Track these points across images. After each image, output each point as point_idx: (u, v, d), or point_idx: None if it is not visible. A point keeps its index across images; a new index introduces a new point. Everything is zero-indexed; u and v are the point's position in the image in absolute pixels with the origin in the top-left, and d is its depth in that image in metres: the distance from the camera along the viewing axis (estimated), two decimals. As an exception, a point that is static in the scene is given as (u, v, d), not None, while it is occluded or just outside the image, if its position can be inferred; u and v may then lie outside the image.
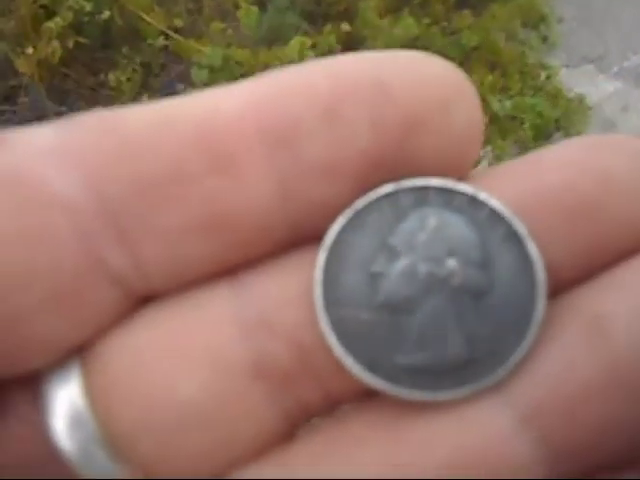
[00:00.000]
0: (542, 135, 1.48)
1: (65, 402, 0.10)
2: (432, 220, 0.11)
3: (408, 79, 0.11)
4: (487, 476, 0.09)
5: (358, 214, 0.11)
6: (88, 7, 1.31)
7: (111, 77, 1.36)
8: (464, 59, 1.61)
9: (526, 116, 1.47)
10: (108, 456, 0.10)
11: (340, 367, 0.11)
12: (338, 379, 0.11)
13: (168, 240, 0.10)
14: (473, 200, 0.11)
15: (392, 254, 0.11)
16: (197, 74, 1.33)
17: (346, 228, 0.11)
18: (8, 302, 0.10)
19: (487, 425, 0.10)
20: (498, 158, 1.37)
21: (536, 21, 1.95)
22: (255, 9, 1.48)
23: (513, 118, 1.47)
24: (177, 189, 0.10)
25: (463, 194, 0.11)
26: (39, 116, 1.30)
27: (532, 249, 0.11)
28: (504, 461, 0.10)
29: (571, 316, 0.10)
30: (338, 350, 0.11)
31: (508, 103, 1.45)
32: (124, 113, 0.11)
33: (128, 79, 1.37)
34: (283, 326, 0.11)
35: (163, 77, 1.45)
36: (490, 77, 1.55)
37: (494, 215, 0.11)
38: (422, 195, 0.11)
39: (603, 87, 1.75)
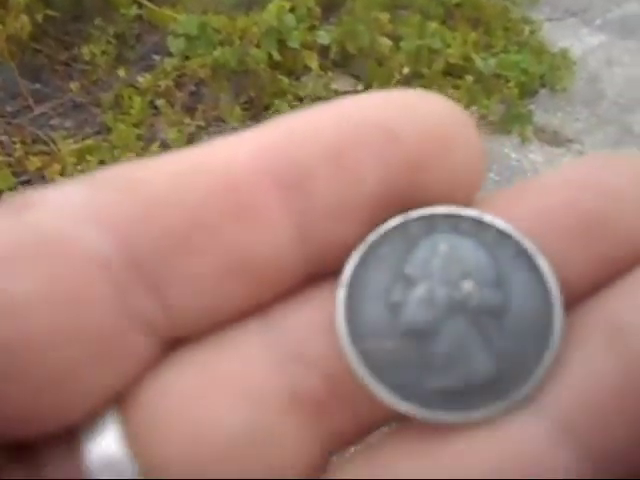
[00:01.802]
0: (527, 92, 1.47)
1: (104, 450, 0.11)
2: (443, 246, 0.12)
3: (411, 119, 0.11)
4: None
5: (371, 248, 0.12)
6: (55, -23, 1.26)
7: (85, 50, 1.31)
8: (446, 16, 1.58)
9: (511, 73, 1.45)
10: None
11: (371, 396, 0.11)
12: (369, 407, 0.11)
13: (195, 286, 0.11)
14: (479, 223, 0.12)
15: (408, 282, 0.12)
16: (173, 43, 1.29)
17: (361, 263, 0.12)
18: (55, 359, 0.10)
19: (523, 438, 0.10)
20: (483, 118, 1.36)
21: (518, -26, 1.91)
22: (230, -27, 1.43)
23: (498, 76, 1.45)
24: (200, 238, 0.11)
25: (469, 218, 0.12)
26: (13, 95, 1.26)
27: (543, 264, 0.11)
28: (544, 472, 0.10)
29: (590, 327, 0.11)
30: (369, 380, 0.11)
31: (492, 61, 1.43)
32: (146, 168, 0.11)
33: (103, 52, 1.32)
34: (314, 358, 0.11)
35: (138, 48, 1.40)
36: (473, 34, 1.52)
37: (501, 235, 0.11)
38: (430, 223, 0.12)
39: (587, 40, 1.73)
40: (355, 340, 0.11)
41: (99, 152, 1.13)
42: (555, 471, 0.10)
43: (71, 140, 1.18)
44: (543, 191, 0.12)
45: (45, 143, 1.17)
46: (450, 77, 1.41)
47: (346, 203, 0.11)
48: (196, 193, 0.11)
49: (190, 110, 1.27)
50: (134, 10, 1.37)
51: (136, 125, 1.21)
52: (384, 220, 0.12)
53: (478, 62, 1.41)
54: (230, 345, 0.11)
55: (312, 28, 1.39)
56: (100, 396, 0.11)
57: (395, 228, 0.12)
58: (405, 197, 0.11)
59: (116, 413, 0.11)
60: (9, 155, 1.14)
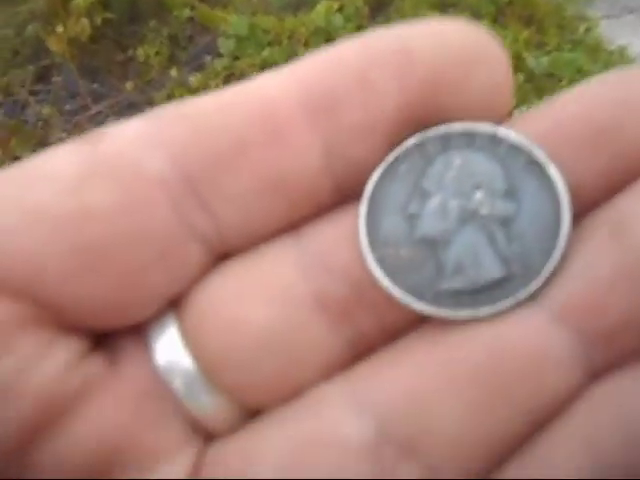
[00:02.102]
0: (581, 91, 1.42)
1: (166, 345, 0.13)
2: (457, 160, 0.12)
3: (430, 43, 0.12)
4: (527, 365, 0.11)
5: (391, 165, 0.13)
6: (114, -18, 1.31)
7: (140, 52, 1.36)
8: (498, 14, 1.55)
9: (564, 72, 1.40)
10: (206, 387, 0.12)
11: (389, 297, 0.12)
12: (390, 309, 0.12)
13: (239, 203, 0.12)
14: (493, 137, 0.12)
15: (425, 195, 0.13)
16: (224, 44, 1.32)
17: (382, 179, 0.13)
18: (125, 258, 0.12)
19: (524, 324, 0.11)
20: (534, 118, 1.32)
21: (574, -30, 1.85)
22: (280, -26, 1.45)
23: (550, 75, 1.41)
24: (242, 159, 0.12)
25: (483, 133, 0.12)
26: (72, 94, 1.32)
27: (553, 171, 0.12)
28: (542, 351, 0.11)
29: (595, 226, 0.11)
30: (385, 282, 0.12)
31: (545, 60, 1.39)
32: (194, 102, 0.13)
33: (156, 52, 1.37)
34: (338, 265, 0.13)
35: (190, 49, 1.44)
36: (525, 33, 1.48)
37: (514, 147, 0.12)
38: (446, 140, 0.12)
39: (647, 37, 1.66)
40: (374, 248, 0.12)
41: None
42: (548, 351, 0.11)
43: (125, 138, 1.22)
44: (560, 105, 0.12)
45: (101, 140, 1.22)
46: (500, 76, 1.38)
47: (369, 124, 0.12)
48: (237, 120, 0.12)
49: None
50: (187, 12, 1.41)
51: (187, 124, 1.25)
52: (405, 139, 0.12)
53: (530, 60, 1.38)
54: (266, 257, 0.13)
55: (360, 27, 1.39)
56: (162, 296, 0.13)
57: (414, 146, 0.13)
58: (424, 117, 0.12)
59: (174, 315, 0.13)
60: (68, 152, 1.20)
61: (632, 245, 0.11)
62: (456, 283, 0.12)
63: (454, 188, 0.12)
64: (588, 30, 1.58)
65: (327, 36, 1.32)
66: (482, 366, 0.11)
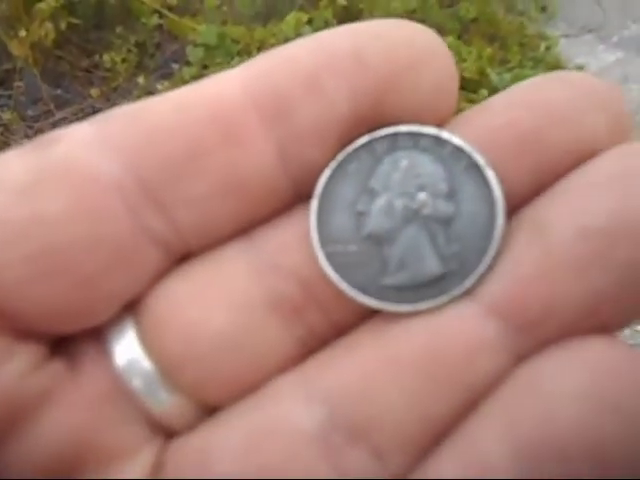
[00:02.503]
0: (542, 107, 1.47)
1: (125, 347, 0.13)
2: (404, 161, 0.13)
3: (379, 45, 0.12)
4: (461, 353, 0.12)
5: (341, 164, 0.13)
6: (80, -14, 1.28)
7: (106, 58, 1.34)
8: (462, 31, 1.59)
9: (525, 88, 1.45)
10: (164, 387, 0.13)
11: (338, 293, 0.13)
12: (338, 305, 0.13)
13: (196, 206, 0.13)
14: (437, 139, 0.13)
15: (372, 194, 0.13)
16: (192, 53, 1.31)
17: (332, 178, 0.13)
18: (80, 268, 0.12)
19: (459, 317, 0.12)
20: (498, 132, 1.36)
21: (535, -10, 1.92)
22: (249, -15, 1.45)
23: (512, 91, 1.45)
24: (198, 163, 0.12)
25: (429, 135, 0.13)
26: (34, 100, 1.29)
27: (490, 175, 0.13)
28: (474, 341, 0.12)
29: (520, 226, 0.12)
30: (334, 278, 0.13)
31: (507, 76, 1.43)
32: (147, 104, 0.13)
33: (123, 60, 1.35)
34: (289, 267, 0.13)
35: (158, 57, 1.42)
36: (489, 49, 1.53)
37: (456, 149, 0.13)
38: (393, 141, 0.13)
39: (603, 57, 1.73)
40: (324, 244, 0.13)
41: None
42: (480, 344, 0.12)
43: (90, 145, 1.20)
44: (489, 110, 0.13)
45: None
46: (465, 91, 1.41)
47: (321, 126, 0.12)
48: (191, 123, 0.12)
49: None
50: (155, 20, 1.40)
51: (153, 132, 1.23)
52: (355, 139, 0.13)
53: (493, 77, 1.42)
54: (221, 260, 0.13)
55: (329, 40, 1.40)
56: (120, 300, 0.13)
57: (362, 146, 0.13)
58: (375, 119, 0.13)
59: (133, 318, 0.13)
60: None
61: (549, 244, 0.12)
62: (399, 279, 0.13)
63: (400, 188, 0.13)
64: (548, 48, 1.64)
65: (296, 47, 1.33)
66: (421, 355, 0.12)
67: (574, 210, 0.11)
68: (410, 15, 1.56)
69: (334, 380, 0.12)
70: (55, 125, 1.25)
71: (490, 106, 0.13)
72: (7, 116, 1.21)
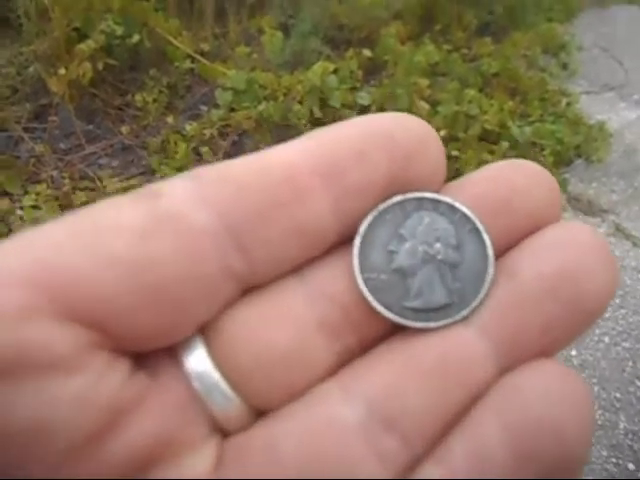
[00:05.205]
0: (562, 161, 1.47)
1: (196, 361, 0.16)
2: (426, 219, 0.17)
3: (404, 129, 0.17)
4: (460, 363, 0.16)
5: (380, 213, 0.17)
6: (119, 31, 1.34)
7: (138, 98, 1.38)
8: (484, 85, 1.62)
9: (546, 142, 1.46)
10: (228, 394, 0.16)
11: (369, 311, 0.17)
12: (368, 323, 0.17)
13: (269, 247, 0.16)
14: (452, 207, 0.17)
15: (401, 239, 0.17)
16: (221, 96, 1.35)
17: (372, 222, 0.17)
18: (175, 299, 0.15)
19: (459, 336, 0.16)
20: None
21: (556, 48, 1.95)
22: (279, 34, 1.50)
23: (533, 144, 1.46)
24: (273, 214, 0.16)
25: (445, 203, 0.17)
26: (67, 134, 1.34)
27: (486, 238, 0.17)
28: (470, 354, 0.16)
29: (500, 272, 0.17)
30: (369, 297, 0.17)
31: (528, 129, 1.44)
32: (232, 165, 0.16)
33: (154, 100, 1.39)
34: (332, 294, 0.17)
35: (188, 98, 1.47)
36: (510, 103, 1.54)
37: (464, 216, 0.17)
38: (420, 203, 0.18)
39: (624, 114, 1.74)
40: (362, 271, 0.17)
41: (141, 192, 1.17)
42: (474, 357, 0.16)
43: (116, 179, 1.22)
44: (470, 184, 0.18)
45: (92, 180, 1.22)
46: (485, 142, 1.42)
47: (365, 186, 0.16)
48: (270, 182, 0.16)
49: (231, 158, 1.31)
50: (187, 64, 1.45)
51: (179, 169, 1.25)
52: (389, 198, 0.17)
53: (514, 129, 1.43)
54: (281, 290, 0.17)
55: (353, 89, 1.44)
56: (198, 324, 0.16)
57: (397, 203, 0.17)
58: (401, 181, 0.17)
59: (203, 337, 0.16)
60: (57, 189, 1.19)
61: (518, 285, 0.16)
62: (416, 303, 0.17)
63: (422, 238, 0.17)
64: (569, 104, 1.65)
65: (321, 95, 1.37)
66: (434, 365, 0.16)
67: (534, 261, 0.16)
68: (433, 69, 1.60)
69: (369, 384, 0.16)
70: (85, 159, 1.28)
71: (471, 178, 0.18)
72: (40, 148, 1.25)
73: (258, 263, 0.16)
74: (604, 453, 0.99)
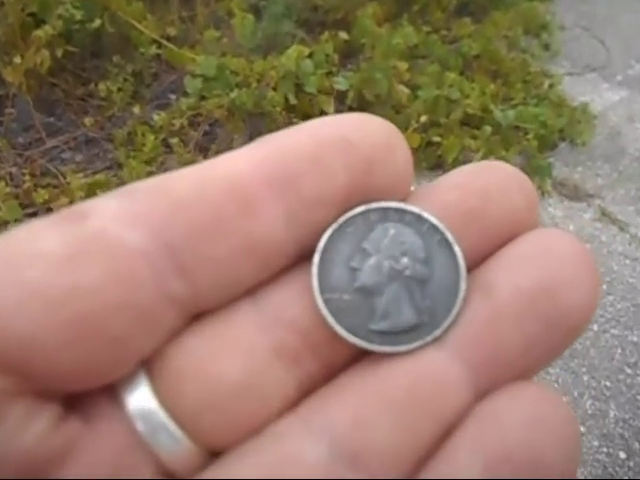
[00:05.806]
0: (547, 145, 1.44)
1: (139, 399, 0.14)
2: (392, 230, 0.16)
3: (364, 134, 0.15)
4: (433, 390, 0.14)
5: (340, 226, 0.16)
6: (78, 15, 1.27)
7: (101, 87, 1.32)
8: (465, 67, 1.58)
9: (530, 126, 1.42)
10: (175, 435, 0.14)
11: (331, 336, 0.15)
12: (331, 349, 0.15)
13: (214, 268, 0.14)
14: (419, 217, 0.16)
15: (365, 254, 0.16)
16: (190, 83, 1.29)
17: (332, 237, 0.16)
18: (109, 331, 0.13)
19: (430, 360, 0.15)
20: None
21: (538, 28, 1.91)
22: (250, 17, 1.44)
23: (516, 128, 1.43)
24: (217, 229, 0.14)
25: (412, 213, 0.16)
26: (26, 127, 1.27)
27: (457, 250, 0.16)
28: (442, 379, 0.15)
29: (473, 286, 0.16)
30: (330, 320, 0.15)
31: (511, 113, 1.41)
32: (168, 179, 0.15)
33: (119, 89, 1.33)
34: (289, 318, 0.15)
35: (155, 87, 1.40)
36: (492, 86, 1.51)
37: (432, 227, 0.16)
38: (384, 213, 0.16)
39: (607, 96, 1.72)
40: (323, 291, 0.15)
41: (108, 187, 1.11)
42: (446, 380, 0.15)
43: (81, 174, 1.17)
44: (441, 189, 0.16)
45: (54, 176, 1.16)
46: (468, 127, 1.39)
47: (322, 197, 0.15)
48: (212, 195, 0.14)
49: (203, 150, 1.26)
50: (153, 50, 1.39)
51: (148, 162, 1.20)
52: (350, 208, 0.16)
53: (496, 113, 1.40)
54: (231, 316, 0.15)
55: (330, 74, 1.38)
56: (137, 358, 0.14)
57: (359, 214, 0.16)
58: (363, 190, 0.16)
59: (145, 372, 0.14)
60: (17, 187, 1.13)
61: (494, 302, 0.15)
62: (383, 325, 0.15)
63: (387, 252, 0.16)
64: (552, 86, 1.62)
65: (296, 80, 1.31)
66: (402, 393, 0.15)
67: (511, 275, 0.15)
68: (411, 51, 1.55)
69: (332, 417, 0.15)
70: (46, 153, 1.22)
71: (440, 185, 0.16)
72: (-3, 143, 1.19)
73: (203, 286, 0.14)
74: (595, 443, 0.99)
